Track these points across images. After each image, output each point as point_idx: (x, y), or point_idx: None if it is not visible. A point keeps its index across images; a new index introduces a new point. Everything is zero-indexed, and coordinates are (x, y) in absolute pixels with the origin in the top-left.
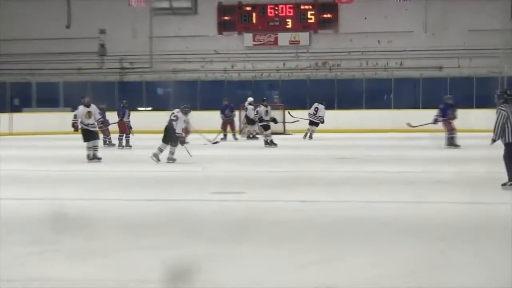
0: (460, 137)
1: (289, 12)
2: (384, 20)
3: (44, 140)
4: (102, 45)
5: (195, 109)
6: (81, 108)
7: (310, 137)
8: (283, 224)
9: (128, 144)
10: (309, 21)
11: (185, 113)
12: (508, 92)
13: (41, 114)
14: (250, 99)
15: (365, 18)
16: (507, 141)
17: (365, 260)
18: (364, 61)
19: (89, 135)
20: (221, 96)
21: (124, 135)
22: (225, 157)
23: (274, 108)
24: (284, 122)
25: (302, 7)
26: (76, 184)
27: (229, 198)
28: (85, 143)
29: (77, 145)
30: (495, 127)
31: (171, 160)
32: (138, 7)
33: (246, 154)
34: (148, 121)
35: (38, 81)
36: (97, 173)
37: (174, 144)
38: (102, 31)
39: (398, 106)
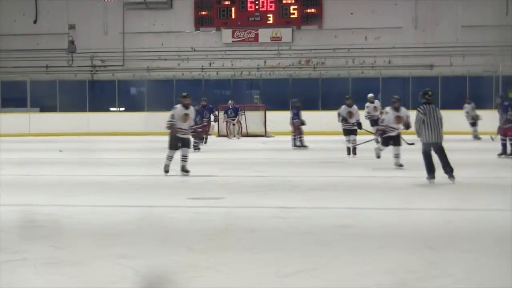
0: (448, 140)
1: (271, 6)
2: (371, 15)
3: (10, 142)
4: (72, 42)
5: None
6: (179, 109)
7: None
8: (264, 232)
9: (303, 144)
10: (292, 16)
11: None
12: (430, 93)
13: (7, 114)
14: (371, 95)
15: (351, 13)
16: (423, 140)
17: (352, 269)
18: (350, 59)
19: (177, 143)
20: (198, 96)
21: (297, 136)
22: (200, 161)
23: (255, 108)
24: (265, 124)
25: (284, 1)
26: (44, 190)
27: (206, 204)
28: (168, 150)
29: (45, 147)
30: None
31: None
32: (109, 1)
33: (223, 157)
34: (120, 122)
35: (3, 79)
36: (65, 178)
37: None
38: (72, 27)
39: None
